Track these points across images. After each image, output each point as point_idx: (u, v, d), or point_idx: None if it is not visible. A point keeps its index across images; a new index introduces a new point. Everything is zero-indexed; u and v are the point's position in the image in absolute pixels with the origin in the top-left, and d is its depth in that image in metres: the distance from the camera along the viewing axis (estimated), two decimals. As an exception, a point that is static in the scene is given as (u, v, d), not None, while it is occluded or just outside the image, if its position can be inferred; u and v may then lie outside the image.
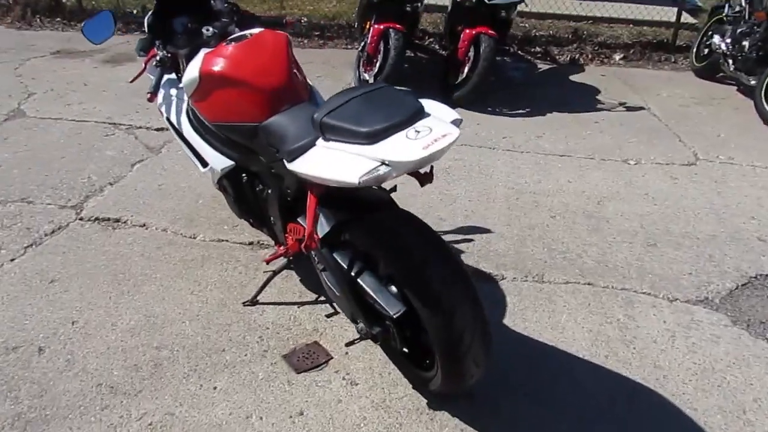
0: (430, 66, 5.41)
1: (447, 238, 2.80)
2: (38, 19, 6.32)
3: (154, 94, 2.18)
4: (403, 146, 1.44)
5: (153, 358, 2.07)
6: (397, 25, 4.32)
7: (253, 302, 2.32)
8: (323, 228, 1.84)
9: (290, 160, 1.70)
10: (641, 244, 2.81)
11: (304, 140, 1.69)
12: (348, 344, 1.98)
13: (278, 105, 1.95)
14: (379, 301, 1.73)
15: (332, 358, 2.10)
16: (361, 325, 1.85)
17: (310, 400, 1.93)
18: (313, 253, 1.96)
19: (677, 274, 2.60)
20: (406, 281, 1.63)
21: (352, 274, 1.82)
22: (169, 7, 2.25)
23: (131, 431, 1.80)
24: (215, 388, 1.96)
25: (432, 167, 1.74)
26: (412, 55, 5.50)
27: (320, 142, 1.63)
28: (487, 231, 2.87)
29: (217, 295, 2.37)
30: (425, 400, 1.93)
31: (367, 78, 4.48)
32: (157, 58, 2.15)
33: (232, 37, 2.10)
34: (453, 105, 4.32)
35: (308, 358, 2.10)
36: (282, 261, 2.25)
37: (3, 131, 3.76)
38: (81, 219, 2.84)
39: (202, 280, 2.45)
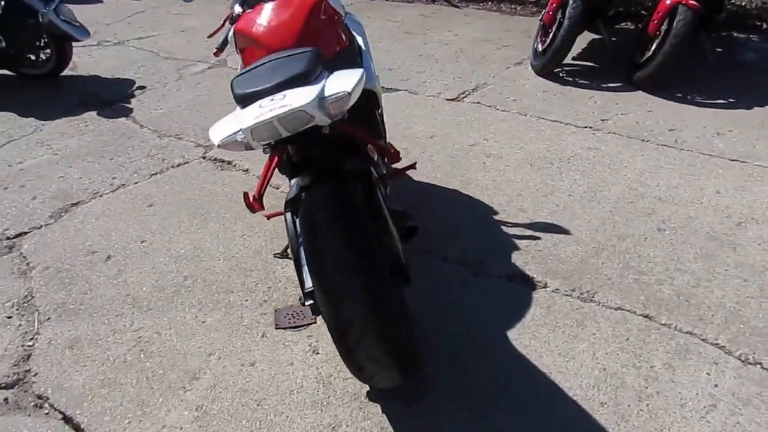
0: (622, 43, 4.72)
1: (511, 230, 2.53)
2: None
3: (219, 49, 2.38)
4: (250, 114, 1.37)
5: (177, 284, 2.35)
6: (576, -8, 3.85)
7: (283, 255, 2.44)
8: (292, 192, 1.84)
9: None
10: (758, 287, 2.16)
11: None
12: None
13: None
14: (302, 274, 1.70)
15: (314, 323, 2.12)
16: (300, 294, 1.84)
17: (267, 356, 2.00)
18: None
19: (783, 332, 1.96)
20: (308, 260, 1.57)
21: (299, 241, 1.80)
22: None
23: (124, 338, 2.10)
24: (204, 322, 2.16)
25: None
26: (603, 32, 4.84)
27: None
28: (563, 232, 2.50)
29: (259, 243, 2.55)
30: (367, 389, 1.85)
31: (539, 49, 4.13)
32: (233, 15, 2.33)
33: None
34: (635, 87, 3.80)
35: (294, 317, 2.16)
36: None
37: (201, 77, 4.45)
38: (203, 158, 3.27)
39: (257, 226, 2.65)
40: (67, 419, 1.83)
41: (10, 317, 2.21)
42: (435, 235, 2.52)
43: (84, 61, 4.76)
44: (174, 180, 3.05)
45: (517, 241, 2.46)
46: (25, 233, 2.68)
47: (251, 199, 1.73)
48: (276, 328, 2.11)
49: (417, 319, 2.04)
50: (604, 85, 3.88)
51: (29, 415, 1.84)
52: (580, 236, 2.48)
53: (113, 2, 6.59)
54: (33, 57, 4.22)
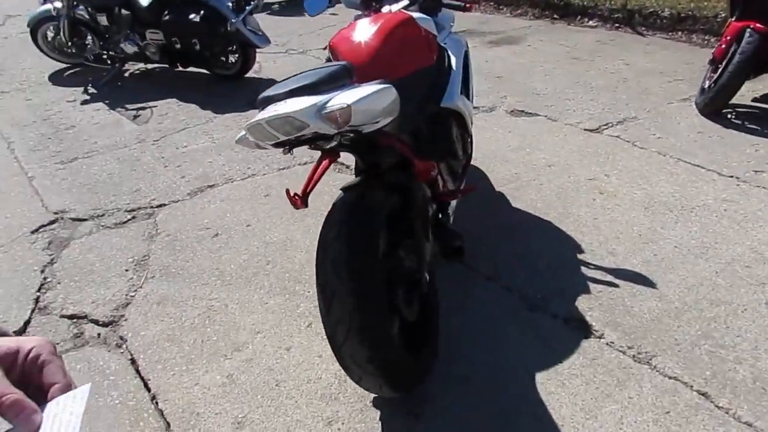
0: None
1: (589, 272, 2.36)
2: None
3: None
4: (256, 116, 1.50)
5: (259, 267, 2.60)
6: (758, 24, 3.41)
7: None
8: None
9: None
10: None
11: None
12: None
13: (361, 78, 2.09)
14: None
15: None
16: None
17: (303, 344, 2.15)
18: None
19: None
20: (316, 254, 1.67)
21: None
22: None
23: (200, 305, 2.40)
24: (266, 303, 2.38)
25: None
26: None
27: None
28: (648, 285, 2.27)
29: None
30: (374, 396, 1.90)
31: (705, 86, 3.73)
32: None
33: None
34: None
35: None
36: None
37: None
38: (328, 159, 3.53)
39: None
40: (132, 360, 2.16)
41: (127, 270, 2.65)
42: (505, 264, 2.46)
43: (269, 66, 5.39)
44: (295, 176, 3.35)
45: (591, 285, 2.29)
46: (165, 205, 3.17)
47: (292, 195, 1.89)
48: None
49: (447, 336, 2.03)
50: (777, 133, 3.38)
51: (109, 351, 2.21)
52: (665, 292, 2.23)
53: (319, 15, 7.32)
54: (224, 59, 4.91)
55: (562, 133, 3.63)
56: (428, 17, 2.33)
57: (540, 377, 1.91)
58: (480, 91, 4.37)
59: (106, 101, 4.76)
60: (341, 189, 1.82)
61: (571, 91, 4.27)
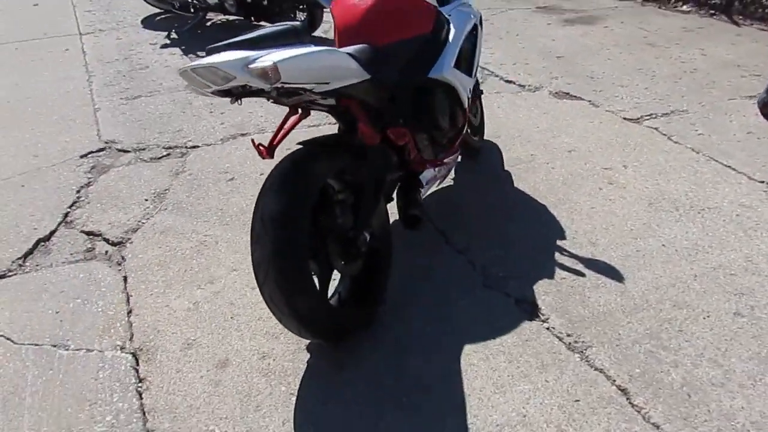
0: None
1: (561, 259, 2.34)
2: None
3: None
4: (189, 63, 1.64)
5: (257, 212, 2.79)
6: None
7: None
8: None
9: None
10: (801, 415, 1.67)
11: None
12: None
13: (346, 40, 2.17)
14: None
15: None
16: None
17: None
18: None
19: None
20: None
21: None
22: None
23: (195, 238, 2.63)
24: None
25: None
26: None
27: None
28: (615, 279, 2.23)
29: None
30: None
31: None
32: None
33: None
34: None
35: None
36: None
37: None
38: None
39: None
40: (125, 278, 2.42)
41: (146, 200, 2.94)
42: (479, 240, 2.48)
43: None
44: (320, 133, 3.49)
45: (557, 271, 2.28)
46: (197, 147, 3.43)
47: (257, 144, 2.03)
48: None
49: (396, 299, 2.13)
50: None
51: (110, 267, 2.49)
52: (630, 288, 2.18)
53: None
54: (293, 16, 5.10)
55: (598, 119, 3.50)
56: (431, -13, 2.35)
57: (468, 349, 1.97)
58: (532, 70, 4.29)
59: (183, 47, 5.12)
60: (297, 143, 1.94)
61: (628, 77, 4.07)
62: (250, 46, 1.65)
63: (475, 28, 2.59)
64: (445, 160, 2.45)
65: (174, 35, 5.43)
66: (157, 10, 6.03)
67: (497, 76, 4.24)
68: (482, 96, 3.16)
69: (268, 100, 1.86)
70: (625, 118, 3.50)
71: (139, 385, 1.91)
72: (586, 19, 5.49)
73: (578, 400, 1.76)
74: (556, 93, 3.90)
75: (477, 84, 3.03)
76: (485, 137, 3.26)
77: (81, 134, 3.59)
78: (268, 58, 1.57)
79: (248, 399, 1.84)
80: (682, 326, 2.00)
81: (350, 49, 2.03)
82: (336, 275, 2.02)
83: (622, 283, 2.21)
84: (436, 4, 2.40)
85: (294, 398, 1.83)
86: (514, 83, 4.09)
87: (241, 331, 2.11)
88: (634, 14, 5.56)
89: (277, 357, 1.99)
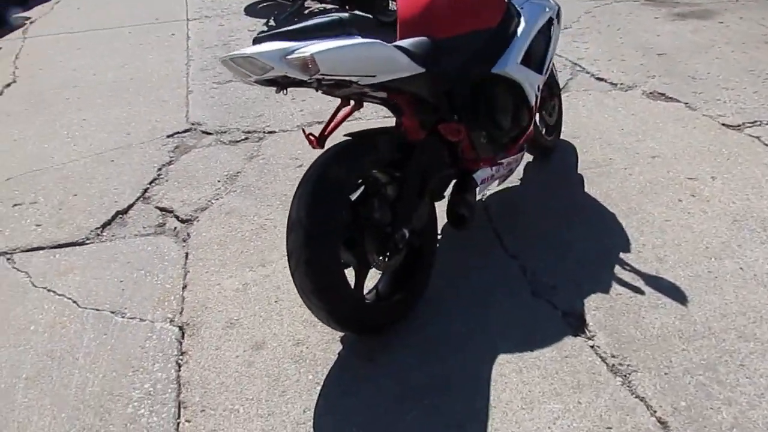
0: None
1: (621, 274, 2.19)
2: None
3: None
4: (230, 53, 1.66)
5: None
6: None
7: None
8: None
9: None
10: None
11: None
12: None
13: (405, 33, 2.14)
14: None
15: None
16: None
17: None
18: None
19: None
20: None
21: None
22: None
23: (257, 221, 2.72)
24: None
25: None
26: None
27: None
28: (678, 300, 2.06)
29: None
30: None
31: None
32: None
33: None
34: None
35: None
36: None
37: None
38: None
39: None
40: (186, 255, 2.55)
41: (219, 181, 3.07)
42: (534, 245, 2.38)
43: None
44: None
45: (614, 286, 2.14)
46: (274, 132, 3.53)
47: (307, 134, 2.05)
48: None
49: (437, 298, 2.09)
50: None
51: (176, 243, 2.62)
52: (692, 313, 2.00)
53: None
54: (385, 5, 5.10)
55: (692, 124, 3.23)
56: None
57: (501, 358, 1.89)
58: (627, 68, 4.03)
59: (278, 34, 5.28)
60: (344, 134, 1.95)
61: (736, 79, 3.71)
62: (296, 37, 1.67)
63: (550, 21, 2.46)
64: (504, 161, 2.35)
65: (272, 22, 5.61)
66: (260, -2, 6.26)
67: (588, 72, 4.01)
68: (566, 94, 3.00)
69: (317, 90, 1.87)
70: (723, 124, 3.20)
71: (180, 357, 2.01)
72: (699, 13, 5.06)
73: (610, 428, 1.64)
74: (650, 93, 3.63)
75: (554, 81, 2.89)
76: (562, 137, 3.10)
77: (171, 115, 3.81)
78: (307, 49, 1.57)
79: (276, 383, 1.88)
80: (745, 361, 1.81)
81: (405, 42, 2.00)
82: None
83: (684, 305, 2.03)
84: None
85: (319, 387, 1.85)
86: (606, 81, 3.86)
87: (282, 316, 2.15)
88: (756, 9, 5.06)
89: (310, 345, 2.02)
